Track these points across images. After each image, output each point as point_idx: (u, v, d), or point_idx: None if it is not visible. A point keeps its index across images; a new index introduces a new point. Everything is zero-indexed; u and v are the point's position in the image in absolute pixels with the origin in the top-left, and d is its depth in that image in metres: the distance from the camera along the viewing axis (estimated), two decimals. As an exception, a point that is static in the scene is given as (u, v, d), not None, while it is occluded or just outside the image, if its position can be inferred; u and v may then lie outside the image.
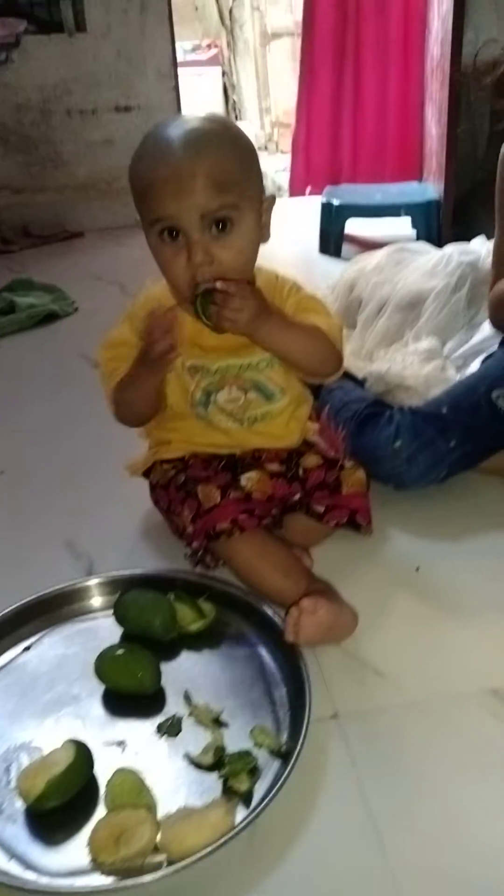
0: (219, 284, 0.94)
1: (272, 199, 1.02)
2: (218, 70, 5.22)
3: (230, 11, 5.14)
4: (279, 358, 1.07)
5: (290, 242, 2.73)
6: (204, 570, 1.10)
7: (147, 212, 0.96)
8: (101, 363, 1.11)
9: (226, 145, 0.95)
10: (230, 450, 1.13)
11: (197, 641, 0.99)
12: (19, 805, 0.80)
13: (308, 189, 3.20)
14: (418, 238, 2.54)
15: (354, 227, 2.74)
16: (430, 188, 2.81)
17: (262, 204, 1.00)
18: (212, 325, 0.98)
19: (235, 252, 0.96)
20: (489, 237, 1.93)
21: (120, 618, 1.01)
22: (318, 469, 1.13)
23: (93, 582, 1.08)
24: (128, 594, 1.02)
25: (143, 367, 1.03)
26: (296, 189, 3.26)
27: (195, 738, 0.86)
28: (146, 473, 1.20)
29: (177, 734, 0.87)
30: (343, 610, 0.98)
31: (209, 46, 5.29)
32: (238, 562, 1.04)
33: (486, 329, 1.64)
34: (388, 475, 1.25)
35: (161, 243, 0.96)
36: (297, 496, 1.12)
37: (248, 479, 1.08)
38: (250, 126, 4.99)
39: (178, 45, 3.10)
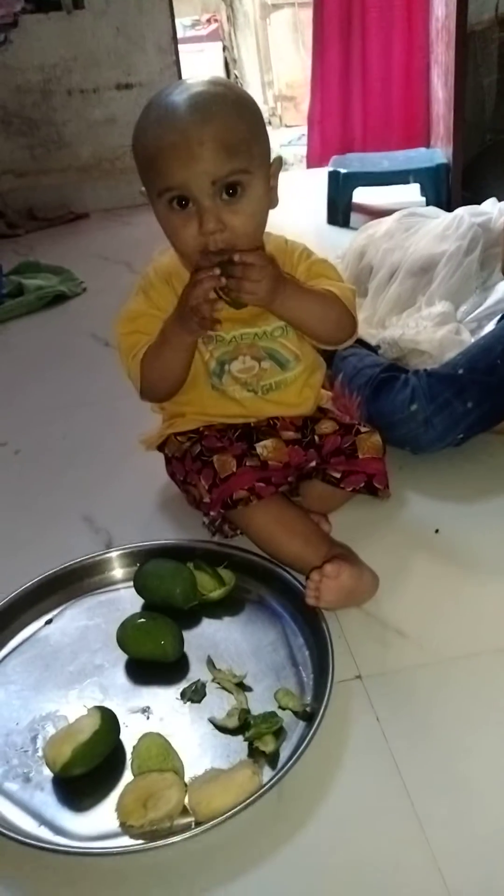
0: (236, 256, 0.91)
1: (279, 161, 1.00)
2: (218, 45, 5.15)
3: (229, -16, 5.07)
4: (294, 326, 1.06)
5: (297, 214, 2.69)
6: (222, 538, 1.09)
7: (155, 181, 0.93)
8: (119, 339, 1.08)
9: (232, 108, 0.92)
10: (245, 419, 1.12)
11: (218, 609, 0.99)
12: (47, 773, 0.80)
13: (324, 162, 3.17)
14: (428, 204, 2.50)
15: (363, 195, 2.71)
16: (438, 153, 2.76)
17: (269, 167, 0.98)
18: (230, 301, 0.95)
19: (247, 217, 0.94)
20: (500, 199, 1.91)
21: (140, 588, 1.01)
22: (334, 435, 1.12)
23: (112, 554, 1.08)
24: (147, 564, 1.02)
25: (180, 325, 0.99)
26: (313, 161, 3.22)
27: (219, 703, 0.86)
28: (161, 447, 1.20)
29: (201, 699, 0.87)
30: (364, 573, 0.97)
31: (209, 21, 5.22)
32: (256, 529, 1.04)
33: (499, 291, 1.62)
34: (404, 439, 1.24)
35: (170, 212, 0.94)
36: (314, 463, 1.11)
37: (264, 447, 1.07)
38: (253, 101, 4.93)
39: (177, 21, 3.05)
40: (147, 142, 0.93)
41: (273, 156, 0.99)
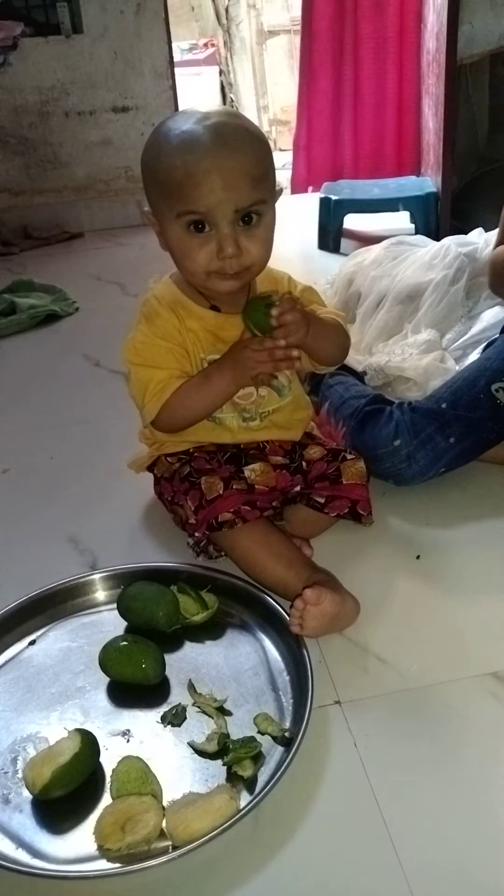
0: (274, 311, 0.97)
1: (280, 191, 1.04)
2: (215, 69, 5.22)
3: (226, 10, 5.15)
4: (312, 354, 1.08)
5: (288, 238, 2.73)
6: (206, 559, 1.11)
7: (176, 204, 0.95)
8: (129, 368, 1.07)
9: (256, 141, 0.96)
10: (235, 443, 1.13)
11: (200, 632, 1.00)
12: (26, 794, 0.81)
13: (310, 188, 3.20)
14: (417, 232, 2.54)
15: (353, 222, 2.75)
16: (428, 182, 2.81)
17: (275, 196, 1.02)
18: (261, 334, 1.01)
19: (261, 243, 0.98)
20: (487, 229, 1.94)
21: (123, 610, 1.01)
22: (321, 461, 1.13)
23: (96, 576, 1.09)
24: (131, 587, 1.03)
25: (231, 378, 1.02)
26: (297, 187, 3.27)
27: (199, 727, 0.87)
28: (150, 467, 1.21)
29: (181, 723, 0.88)
30: (346, 599, 0.99)
31: (206, 45, 5.29)
32: (239, 552, 1.05)
33: (484, 319, 1.65)
34: (387, 473, 1.26)
35: (186, 234, 0.96)
36: (299, 487, 1.13)
37: (252, 470, 1.09)
38: (248, 124, 4.98)
39: (174, 45, 3.11)
40: (173, 166, 0.93)
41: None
